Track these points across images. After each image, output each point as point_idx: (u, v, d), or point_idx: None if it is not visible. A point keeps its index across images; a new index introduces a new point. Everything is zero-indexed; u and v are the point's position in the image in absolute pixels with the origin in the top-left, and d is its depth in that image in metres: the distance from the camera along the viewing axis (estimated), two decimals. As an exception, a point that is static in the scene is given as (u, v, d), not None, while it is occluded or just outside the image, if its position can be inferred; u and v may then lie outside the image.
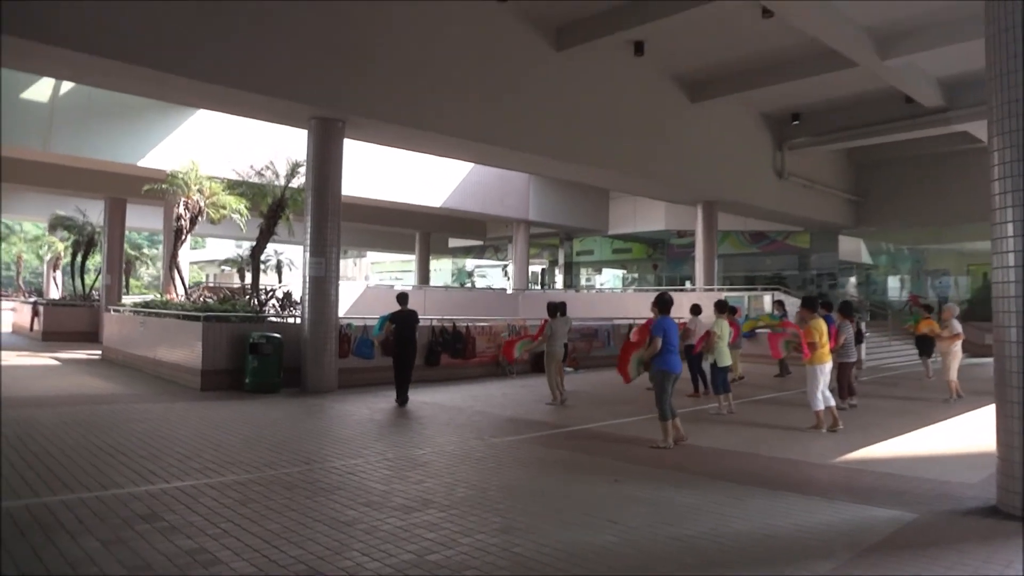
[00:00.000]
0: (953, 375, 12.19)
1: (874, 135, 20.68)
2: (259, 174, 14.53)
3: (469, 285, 39.78)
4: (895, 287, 27.65)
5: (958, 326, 12.42)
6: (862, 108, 20.29)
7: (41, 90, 16.03)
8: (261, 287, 15.66)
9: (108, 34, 9.77)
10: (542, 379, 12.19)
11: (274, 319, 13.75)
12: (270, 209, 14.33)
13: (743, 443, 8.32)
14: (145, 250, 32.20)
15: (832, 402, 9.29)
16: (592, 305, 23.85)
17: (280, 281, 34.48)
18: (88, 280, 25.49)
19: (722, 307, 11.11)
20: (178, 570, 4.13)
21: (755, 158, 21.34)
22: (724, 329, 10.63)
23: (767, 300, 18.79)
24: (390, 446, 7.86)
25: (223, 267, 31.33)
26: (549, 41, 15.12)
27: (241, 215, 16.79)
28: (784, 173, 21.93)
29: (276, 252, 35.96)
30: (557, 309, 11.69)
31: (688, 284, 29.95)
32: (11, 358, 16.61)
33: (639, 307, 21.46)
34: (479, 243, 36.73)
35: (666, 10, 13.42)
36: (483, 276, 41.59)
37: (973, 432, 9.01)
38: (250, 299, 14.75)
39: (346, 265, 50.84)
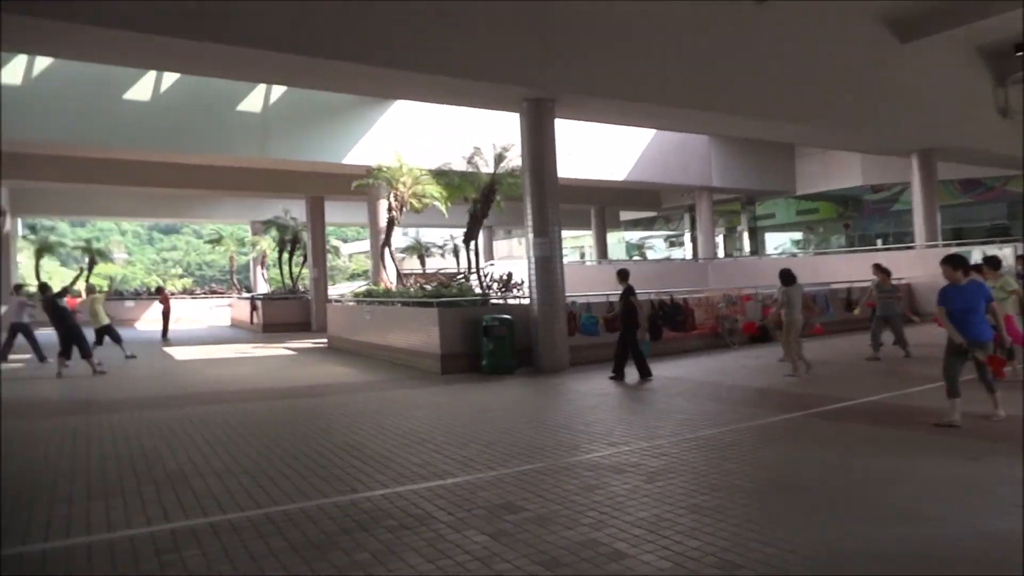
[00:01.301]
0: None
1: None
2: (468, 161, 14.75)
3: (638, 257, 39.08)
4: None
5: None
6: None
7: (255, 100, 17.18)
8: (458, 271, 16.08)
9: (331, 35, 10.13)
10: (765, 349, 11.64)
11: (495, 301, 13.98)
12: (481, 194, 14.53)
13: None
14: (333, 242, 34.22)
15: None
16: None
17: (457, 264, 35.56)
18: (295, 273, 27.26)
19: (993, 263, 9.92)
20: (591, 565, 4.05)
21: (974, 97, 19.27)
22: (1008, 284, 9.51)
23: (1008, 254, 16.92)
24: (681, 426, 7.64)
25: (402, 255, 32.56)
26: (753, -5, 14.26)
27: (443, 203, 17.20)
28: (1008, 111, 19.66)
29: (452, 237, 37.07)
30: (791, 276, 11.08)
31: (879, 243, 27.79)
32: (251, 349, 18.03)
33: (840, 270, 20.19)
34: (652, 214, 35.96)
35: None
36: (650, 248, 40.71)
37: None
38: (464, 281, 15.08)
39: (511, 245, 51.49)
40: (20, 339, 15.12)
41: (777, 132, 18.11)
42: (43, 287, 13.81)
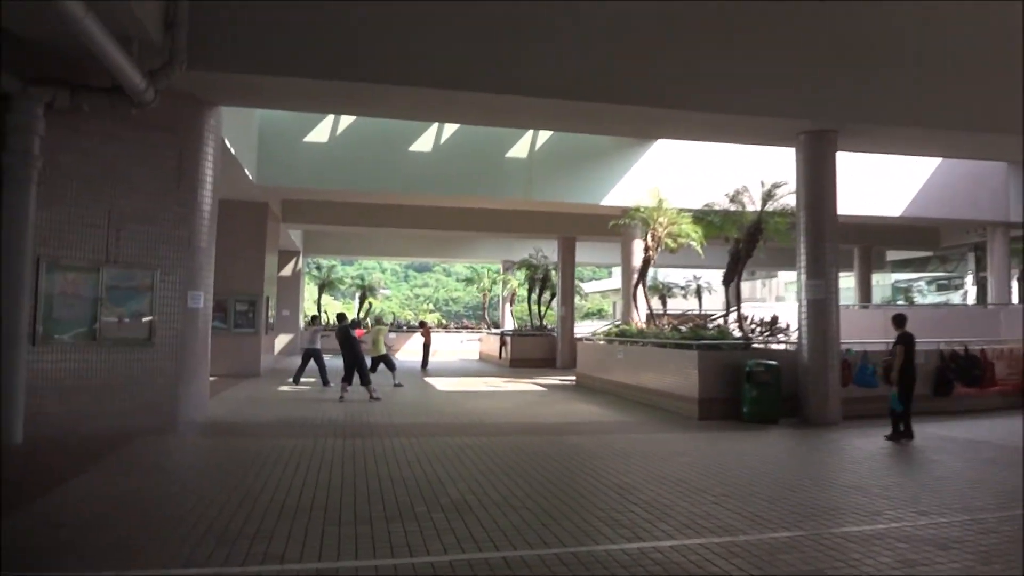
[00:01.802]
0: None
1: None
2: (733, 199, 14.18)
3: (902, 302, 35.08)
4: None
5: None
6: None
7: (522, 146, 18.18)
8: (701, 312, 15.34)
9: (617, 80, 10.34)
10: None
11: (757, 345, 13.17)
12: (748, 233, 13.85)
13: None
14: (580, 283, 34.86)
15: None
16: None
17: (700, 306, 34.49)
18: (543, 312, 28.07)
19: None
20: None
21: None
22: None
23: None
24: (1002, 497, 6.48)
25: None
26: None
27: (698, 243, 16.70)
28: None
29: (695, 277, 36.12)
30: None
31: None
32: (501, 383, 18.70)
33: None
34: (926, 254, 32.25)
35: None
36: (919, 292, 36.40)
37: None
38: (723, 323, 14.41)
39: (754, 286, 49.12)
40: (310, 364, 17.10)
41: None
42: (340, 317, 15.38)
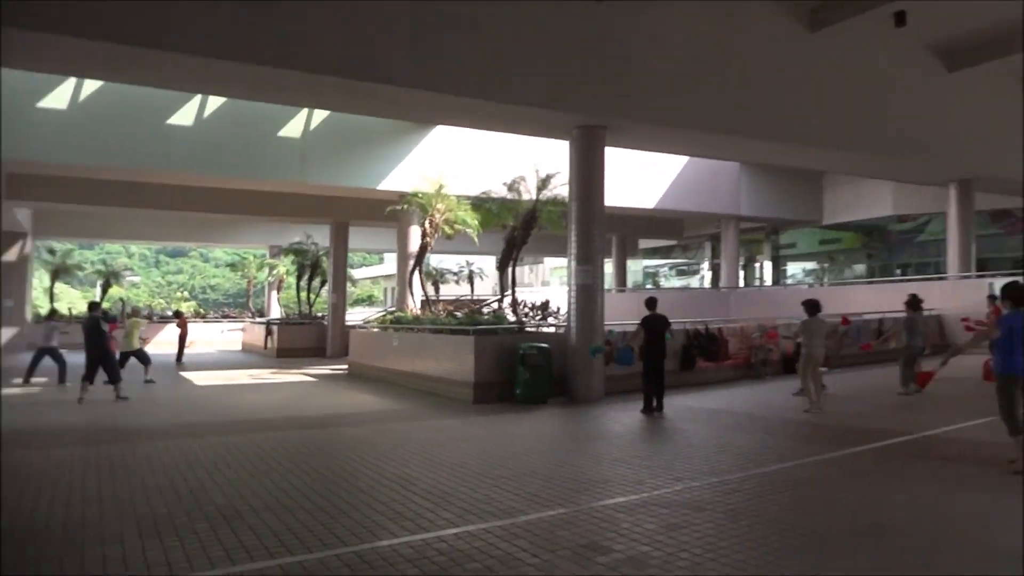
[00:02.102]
0: None
1: None
2: (510, 188, 14.53)
3: (651, 286, 38.69)
4: None
5: None
6: None
7: (295, 126, 17.18)
8: (473, 298, 15.77)
9: (382, 59, 10.02)
10: (797, 380, 11.12)
11: (530, 329, 13.67)
12: (523, 221, 14.29)
13: None
14: (350, 269, 33.93)
15: None
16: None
17: (472, 291, 35.26)
18: (313, 299, 27.01)
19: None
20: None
21: (1018, 128, 19.00)
22: None
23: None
24: (745, 460, 7.26)
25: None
26: (804, 23, 14.09)
27: (474, 230, 16.95)
28: (1049, 142, 19.35)
29: (468, 263, 36.83)
30: (815, 306, 10.55)
31: (898, 273, 27.45)
32: (269, 375, 17.70)
33: (867, 301, 19.83)
34: (672, 243, 35.69)
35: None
36: (665, 277, 40.37)
37: None
38: (498, 308, 14.79)
39: (522, 272, 51.35)
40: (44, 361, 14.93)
41: (817, 160, 17.87)
42: (92, 306, 13.47)
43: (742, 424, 9.52)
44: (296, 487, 6.39)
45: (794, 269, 34.71)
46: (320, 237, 25.94)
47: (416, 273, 17.77)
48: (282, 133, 17.13)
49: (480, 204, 16.18)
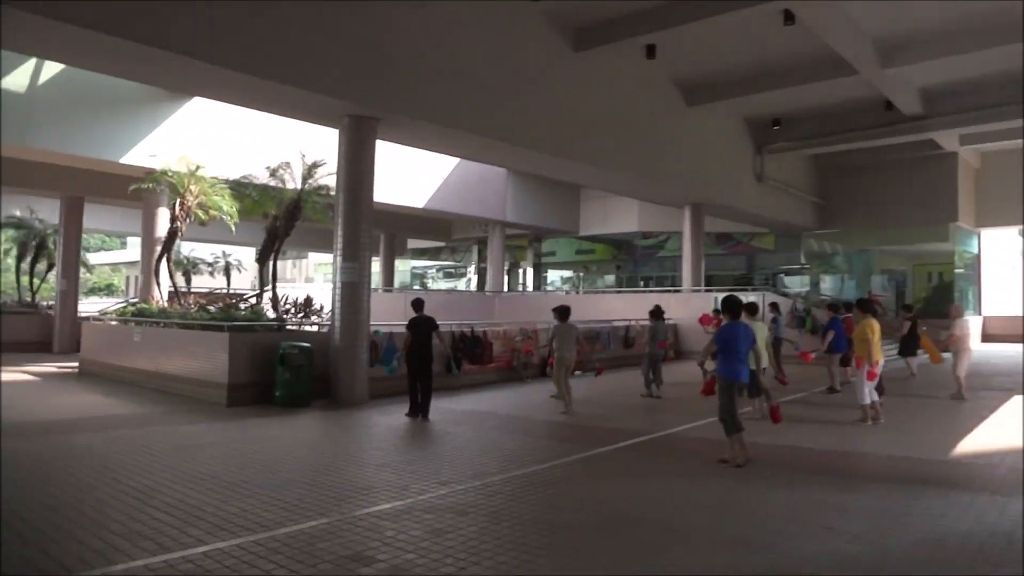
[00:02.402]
0: (963, 372, 12.34)
1: (852, 140, 21.46)
2: (273, 174, 13.70)
3: (418, 287, 38.98)
4: (851, 287, 28.70)
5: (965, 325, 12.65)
6: (837, 115, 20.94)
7: (19, 78, 14.68)
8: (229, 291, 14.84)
9: (119, 10, 8.88)
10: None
11: (291, 327, 13.06)
12: (287, 211, 13.54)
13: (833, 441, 8.41)
14: (86, 253, 30.02)
15: (876, 397, 9.52)
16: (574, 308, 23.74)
17: (229, 284, 33.03)
18: (37, 285, 23.61)
19: (752, 308, 10.76)
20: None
21: (738, 162, 21.78)
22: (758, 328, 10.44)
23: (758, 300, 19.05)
24: (507, 462, 7.50)
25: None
26: (569, 42, 14.96)
27: (232, 217, 15.79)
28: (763, 177, 22.45)
29: (225, 254, 34.46)
30: (565, 312, 11.14)
31: (642, 284, 30.40)
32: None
33: (617, 308, 21.67)
34: (441, 244, 36.14)
35: (693, 14, 13.47)
36: (432, 279, 40.87)
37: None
38: (256, 304, 13.95)
39: (285, 266, 49.16)
40: None
41: (586, 176, 19.14)
42: None
43: (505, 426, 9.84)
44: (13, 507, 5.48)
45: (553, 276, 36.89)
46: (48, 213, 22.67)
47: (164, 261, 16.11)
48: (3, 84, 14.48)
49: (240, 189, 15.05)
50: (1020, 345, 19.51)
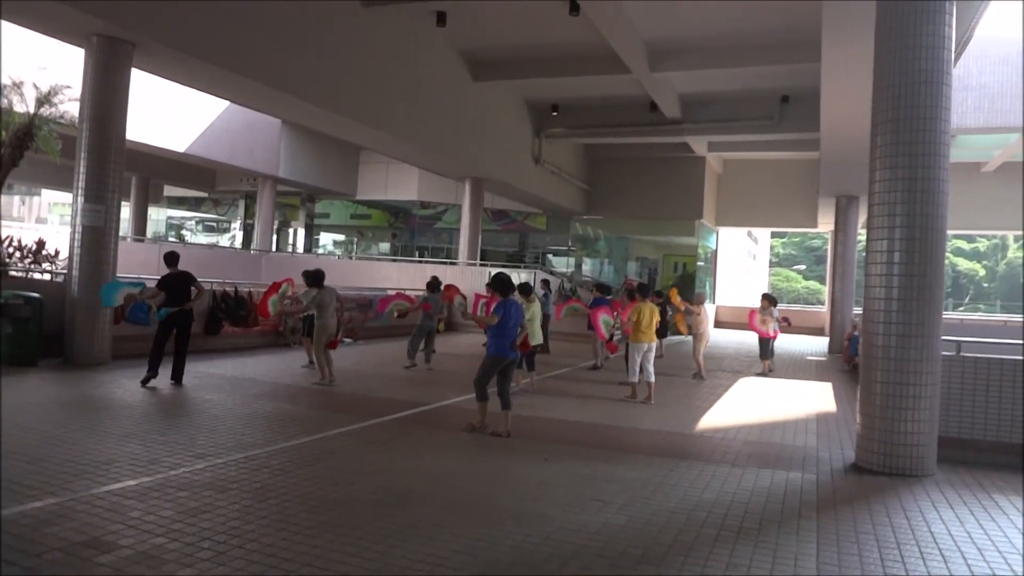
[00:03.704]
0: (701, 354, 13.85)
1: (620, 135, 23.03)
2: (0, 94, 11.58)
3: (174, 239, 35.61)
4: (610, 271, 30.96)
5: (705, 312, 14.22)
6: (609, 109, 22.32)
7: None
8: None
9: None
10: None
11: (16, 274, 11.25)
12: (14, 138, 11.51)
13: (598, 415, 8.98)
14: None
15: (652, 378, 10.35)
16: (347, 274, 23.06)
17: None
18: None
19: (526, 289, 11.14)
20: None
21: (518, 142, 22.40)
22: (535, 309, 10.89)
23: (532, 278, 19.91)
24: (272, 433, 7.03)
25: None
26: (360, -7, 14.30)
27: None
28: (540, 159, 23.32)
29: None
30: (321, 277, 10.32)
31: (417, 254, 30.51)
32: None
33: (392, 277, 21.49)
34: (203, 195, 33.23)
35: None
36: (191, 232, 37.52)
37: (755, 403, 10.61)
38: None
39: (11, 202, 42.48)
40: None
41: (363, 136, 18.33)
42: None
43: (270, 394, 9.26)
44: None
45: (326, 239, 35.62)
46: None
47: None
48: None
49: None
50: (745, 332, 22.21)
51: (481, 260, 23.26)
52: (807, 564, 4.34)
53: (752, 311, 14.55)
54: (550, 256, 31.21)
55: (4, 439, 6.00)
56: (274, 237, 28.75)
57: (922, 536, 4.99)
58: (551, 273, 23.66)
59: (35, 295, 10.10)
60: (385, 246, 33.65)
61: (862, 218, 20.63)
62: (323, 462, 6.13)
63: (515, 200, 26.63)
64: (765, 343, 14.61)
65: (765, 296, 14.73)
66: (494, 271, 18.41)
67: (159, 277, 9.66)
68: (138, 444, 6.24)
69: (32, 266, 11.60)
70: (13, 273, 11.16)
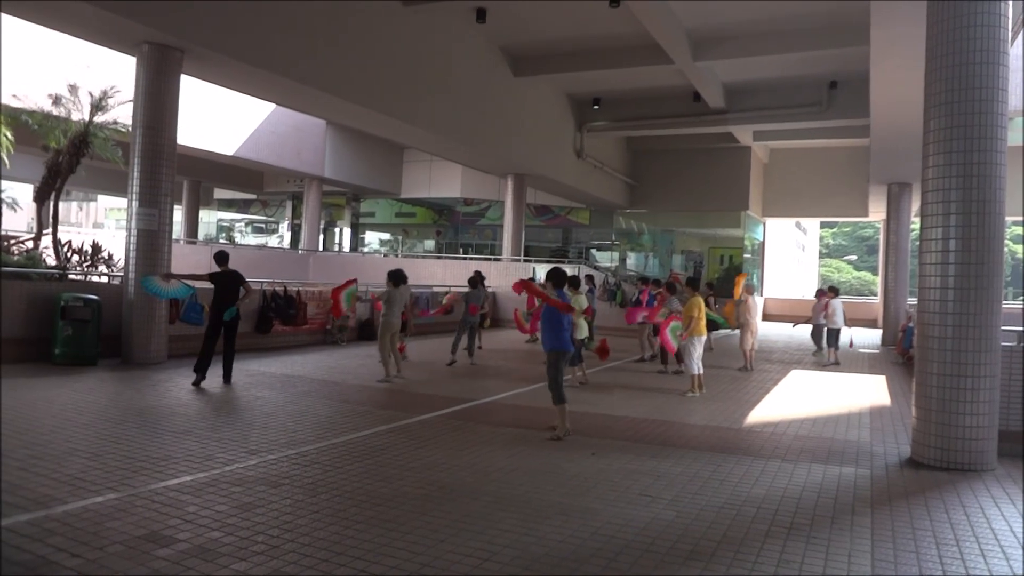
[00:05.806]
0: (748, 345, 13.61)
1: (663, 127, 22.75)
2: (56, 102, 11.97)
3: (225, 241, 36.43)
4: (655, 264, 30.69)
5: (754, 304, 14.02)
6: (652, 101, 22.10)
7: None
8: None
9: None
10: (373, 348, 11.65)
11: (75, 277, 11.64)
12: (71, 144, 11.90)
13: (646, 409, 8.90)
14: None
15: (702, 369, 10.25)
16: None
17: (0, 225, 28.88)
18: None
19: (575, 282, 11.17)
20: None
21: (561, 136, 22.34)
22: (580, 301, 10.88)
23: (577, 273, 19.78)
24: (323, 430, 7.16)
25: None
26: (401, -6, 14.44)
27: (7, 147, 13.70)
28: (582, 153, 23.22)
29: (-6, 189, 30.05)
30: (401, 277, 10.64)
31: (461, 251, 30.64)
32: None
33: (437, 274, 21.65)
34: (252, 197, 33.93)
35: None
36: (241, 233, 38.31)
37: (805, 397, 10.40)
38: (33, 248, 12.27)
39: (70, 208, 43.98)
40: None
41: (409, 136, 18.51)
42: None
43: (319, 391, 9.41)
44: None
45: (372, 237, 36.03)
46: None
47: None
48: None
49: (15, 116, 13.08)
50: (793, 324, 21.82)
51: (525, 256, 23.28)
52: (861, 562, 4.24)
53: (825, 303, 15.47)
54: (594, 251, 31.07)
55: (68, 436, 6.23)
56: (321, 237, 29.21)
57: (982, 533, 4.84)
58: (595, 268, 23.54)
59: (94, 297, 10.44)
60: (430, 243, 33.90)
61: (915, 206, 20.07)
62: (371, 458, 6.20)
63: (558, 195, 26.58)
64: (832, 333, 15.12)
65: (831, 288, 16.06)
66: (538, 267, 18.45)
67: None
68: (193, 441, 6.41)
69: (89, 269, 11.97)
70: (72, 276, 11.53)
